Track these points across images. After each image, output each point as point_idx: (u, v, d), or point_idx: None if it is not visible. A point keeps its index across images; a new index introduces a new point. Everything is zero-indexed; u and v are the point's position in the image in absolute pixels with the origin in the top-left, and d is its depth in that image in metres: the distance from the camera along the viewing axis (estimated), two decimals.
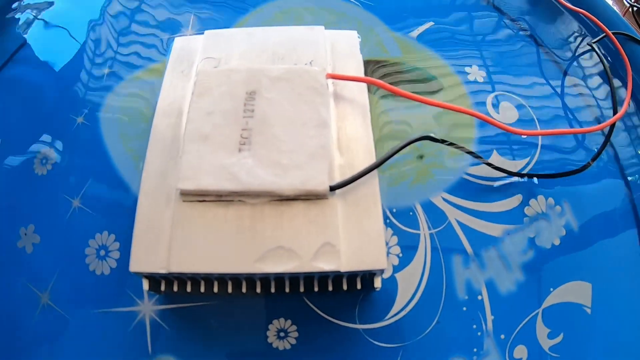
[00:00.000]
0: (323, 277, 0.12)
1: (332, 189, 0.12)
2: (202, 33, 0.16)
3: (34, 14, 0.21)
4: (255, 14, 0.19)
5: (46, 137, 0.17)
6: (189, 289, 0.13)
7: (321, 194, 0.11)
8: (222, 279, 0.12)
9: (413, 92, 0.17)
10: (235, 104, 0.13)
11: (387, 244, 0.15)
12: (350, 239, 0.12)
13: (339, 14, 0.19)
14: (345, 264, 0.11)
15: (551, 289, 0.16)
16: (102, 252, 0.15)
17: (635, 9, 0.24)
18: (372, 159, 0.13)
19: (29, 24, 0.21)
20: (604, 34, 0.20)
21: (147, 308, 0.14)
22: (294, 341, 0.14)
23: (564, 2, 0.21)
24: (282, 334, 0.14)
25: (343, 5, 0.20)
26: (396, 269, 0.15)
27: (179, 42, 0.16)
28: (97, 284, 0.15)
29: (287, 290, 0.12)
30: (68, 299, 0.15)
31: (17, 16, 0.21)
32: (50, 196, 0.16)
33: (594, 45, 0.20)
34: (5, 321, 0.15)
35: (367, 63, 0.17)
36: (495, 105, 0.18)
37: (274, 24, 0.19)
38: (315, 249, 0.11)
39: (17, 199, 0.17)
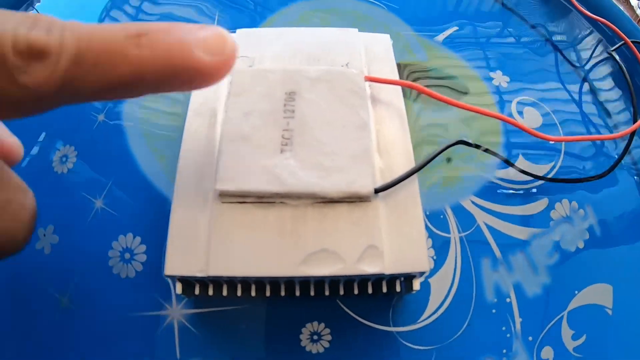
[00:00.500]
0: (363, 280, 0.12)
1: (377, 191, 0.12)
2: (231, 31, 0.17)
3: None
4: (281, 15, 0.20)
5: (66, 135, 0.17)
6: (225, 292, 0.13)
7: (365, 196, 0.12)
8: (261, 282, 0.13)
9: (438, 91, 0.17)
10: (275, 105, 0.13)
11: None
12: (392, 242, 0.12)
13: (365, 17, 0.19)
14: (388, 267, 0.12)
15: (576, 292, 0.16)
16: (127, 255, 0.15)
17: None
18: (411, 162, 0.13)
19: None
20: (623, 42, 0.21)
21: (176, 312, 0.14)
22: (327, 344, 0.14)
23: (584, 10, 0.21)
24: (315, 337, 0.14)
25: (367, 7, 0.20)
26: (433, 270, 0.15)
27: None
28: (121, 288, 0.15)
29: (326, 293, 0.13)
30: (90, 302, 0.15)
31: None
32: (70, 196, 0.16)
33: (613, 53, 0.20)
34: (23, 324, 0.15)
35: (397, 66, 0.18)
36: (520, 111, 0.18)
37: (300, 25, 0.19)
38: (360, 251, 0.11)
39: (36, 198, 0.17)
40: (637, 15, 0.26)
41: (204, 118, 0.14)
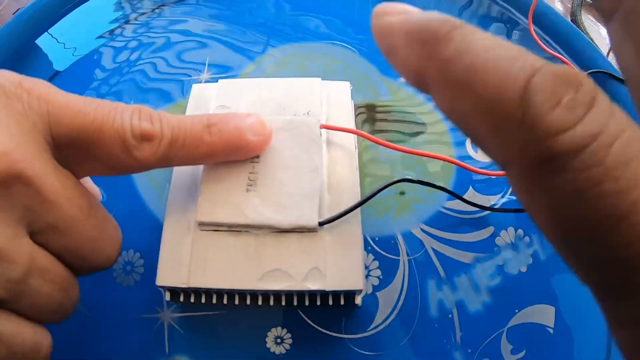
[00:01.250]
0: (312, 294, 0.16)
1: (321, 224, 0.15)
2: (216, 79, 0.20)
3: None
4: (264, 59, 0.24)
5: None
6: (203, 300, 0.17)
7: (311, 228, 0.15)
8: (231, 293, 0.16)
9: (400, 132, 0.20)
10: None
11: (367, 267, 0.18)
12: (334, 265, 0.15)
13: (337, 60, 0.23)
14: (329, 284, 0.15)
15: (516, 311, 0.19)
16: (128, 268, 0.19)
17: None
18: (356, 199, 0.16)
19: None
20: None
21: (166, 315, 0.18)
22: (288, 347, 0.18)
23: (543, 45, 0.24)
24: (278, 340, 0.18)
25: (340, 51, 0.24)
26: (377, 288, 0.18)
27: (196, 89, 0.20)
28: (123, 294, 0.19)
29: (283, 303, 0.16)
30: (97, 305, 0.19)
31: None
32: None
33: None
34: None
35: (361, 107, 0.21)
36: (475, 147, 0.21)
37: (280, 68, 0.23)
38: (306, 272, 0.15)
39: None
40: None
41: None
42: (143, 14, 0.27)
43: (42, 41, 0.26)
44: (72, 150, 0.13)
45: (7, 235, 0.11)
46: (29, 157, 0.12)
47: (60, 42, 0.26)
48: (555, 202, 0.08)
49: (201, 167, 0.17)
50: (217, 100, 0.19)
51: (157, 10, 0.27)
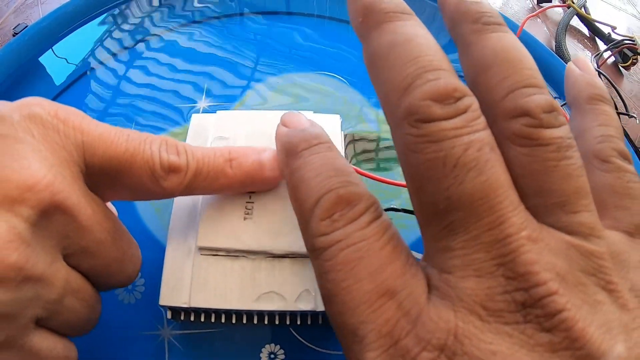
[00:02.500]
0: (304, 314, 0.19)
1: None
2: (216, 104, 0.23)
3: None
4: (260, 87, 0.26)
5: None
6: (202, 319, 0.19)
7: (303, 254, 0.18)
8: (228, 312, 0.19)
9: (386, 160, 0.23)
10: None
11: None
12: None
13: (329, 92, 0.26)
14: (319, 305, 0.18)
15: None
16: (130, 287, 0.22)
17: (601, 74, 0.30)
18: None
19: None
20: (564, 103, 0.26)
21: (166, 332, 0.21)
22: None
23: None
24: (272, 356, 0.20)
25: (332, 82, 0.26)
26: None
27: (195, 119, 0.22)
28: (124, 312, 0.21)
29: (276, 322, 0.19)
30: (99, 322, 0.21)
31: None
32: None
33: None
34: None
35: (350, 137, 0.24)
36: None
37: (275, 97, 0.26)
38: (297, 294, 0.18)
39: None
40: (599, 49, 0.31)
41: None
42: (143, 39, 0.30)
43: (44, 60, 0.28)
44: (103, 177, 0.15)
45: (47, 261, 0.13)
46: (67, 187, 0.13)
47: (61, 60, 0.28)
48: (317, 280, 0.13)
49: (201, 196, 0.20)
50: (216, 131, 0.21)
51: (157, 36, 0.30)
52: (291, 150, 0.15)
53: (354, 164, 0.22)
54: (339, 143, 0.21)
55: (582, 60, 0.17)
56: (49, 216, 0.13)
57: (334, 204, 0.12)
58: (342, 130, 0.22)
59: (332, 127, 0.22)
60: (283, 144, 0.16)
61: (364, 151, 0.24)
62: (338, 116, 0.22)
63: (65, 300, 0.14)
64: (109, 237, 0.15)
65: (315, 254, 0.13)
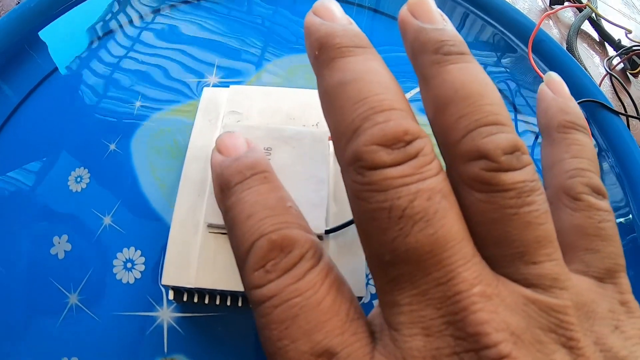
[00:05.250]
0: None
1: (327, 232, 0.18)
2: (226, 81, 0.22)
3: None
4: (273, 65, 0.25)
5: (81, 159, 0.23)
6: (206, 301, 0.18)
7: (318, 236, 0.17)
8: (235, 295, 0.18)
9: None
10: None
11: (367, 276, 0.20)
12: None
13: None
14: None
15: None
16: (129, 265, 0.21)
17: (612, 77, 0.30)
18: None
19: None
20: None
21: (166, 314, 0.20)
22: None
23: (540, 73, 0.27)
24: None
25: None
26: (374, 296, 0.21)
27: (207, 93, 0.21)
28: (122, 291, 0.20)
29: None
30: (96, 301, 0.20)
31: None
32: (83, 211, 0.22)
33: None
34: (36, 319, 0.20)
35: None
36: None
37: (288, 77, 0.25)
38: None
39: (53, 210, 0.22)
40: (607, 55, 0.31)
41: (199, 162, 0.19)
42: (154, 11, 0.29)
43: (44, 35, 0.27)
44: None
45: None
46: None
47: (59, 39, 0.27)
48: (257, 330, 0.12)
49: (209, 168, 0.19)
50: (229, 106, 0.20)
51: (165, 11, 0.29)
52: (224, 185, 0.13)
53: None
54: None
55: (555, 81, 0.16)
56: None
57: (266, 252, 0.11)
58: None
59: None
60: (216, 176, 0.14)
61: None
62: None
63: None
64: None
65: (252, 305, 0.12)
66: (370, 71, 0.12)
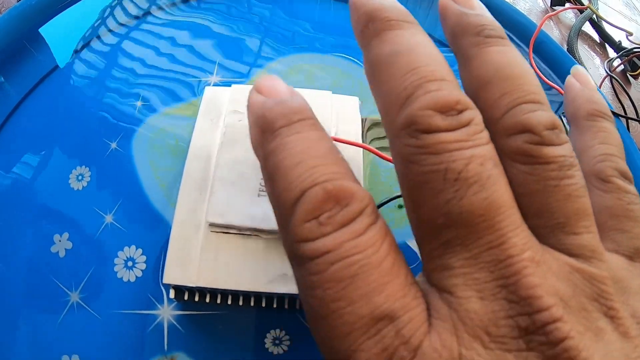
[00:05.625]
0: None
1: None
2: (227, 80, 0.22)
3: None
4: (275, 64, 0.26)
5: (82, 157, 0.23)
6: (207, 299, 0.18)
7: None
8: (236, 294, 0.18)
9: None
10: (257, 157, 0.19)
11: None
12: None
13: (345, 74, 0.25)
14: None
15: None
16: (130, 263, 0.21)
17: (612, 78, 0.30)
18: None
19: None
20: None
21: (166, 312, 0.20)
22: (286, 348, 0.20)
23: (542, 76, 0.27)
24: (277, 341, 0.20)
25: (348, 65, 0.26)
26: None
27: (209, 92, 0.21)
28: (123, 289, 0.20)
29: (285, 306, 0.18)
30: (96, 299, 0.21)
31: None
32: (84, 209, 0.22)
33: (564, 118, 0.26)
34: (36, 317, 0.20)
35: (367, 122, 0.24)
36: None
37: (289, 77, 0.25)
38: None
39: (54, 209, 0.22)
40: (608, 57, 0.31)
41: (201, 161, 0.19)
42: (155, 9, 0.29)
43: (45, 31, 0.27)
44: None
45: None
46: None
47: (61, 37, 0.27)
48: (300, 292, 0.11)
49: (213, 168, 0.19)
50: (230, 105, 0.21)
51: (167, 9, 0.29)
52: (266, 126, 0.12)
53: (375, 147, 0.21)
54: (357, 126, 0.21)
55: (581, 73, 0.17)
56: None
57: (321, 202, 0.10)
58: (360, 114, 0.22)
59: (351, 109, 0.21)
60: (256, 117, 0.13)
61: (383, 137, 0.23)
62: (356, 98, 0.22)
63: None
64: None
65: (297, 261, 0.11)
66: (420, 44, 0.12)
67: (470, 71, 0.13)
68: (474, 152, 0.11)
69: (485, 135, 0.11)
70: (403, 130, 0.11)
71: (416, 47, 0.12)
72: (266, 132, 0.12)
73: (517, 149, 0.11)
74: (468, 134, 0.11)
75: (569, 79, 0.17)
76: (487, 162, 0.11)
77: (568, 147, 0.11)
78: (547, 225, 0.11)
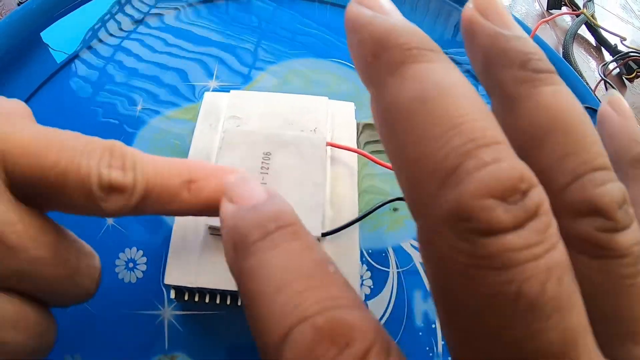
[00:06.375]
0: None
1: (324, 235, 0.18)
2: (226, 85, 0.23)
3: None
4: (272, 70, 0.26)
5: None
6: (206, 300, 0.19)
7: (315, 238, 0.18)
8: (234, 295, 0.19)
9: None
10: (254, 162, 0.19)
11: (361, 277, 0.21)
12: None
13: (341, 78, 0.26)
14: None
15: None
16: (131, 265, 0.22)
17: (606, 82, 0.31)
18: (355, 214, 0.19)
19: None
20: None
21: (167, 313, 0.21)
22: None
23: None
24: None
25: (344, 70, 0.27)
26: (368, 297, 0.22)
27: (208, 97, 0.22)
28: (124, 290, 0.21)
29: None
30: (98, 300, 0.21)
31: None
32: None
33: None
34: None
35: (363, 126, 0.24)
36: None
37: (286, 81, 0.26)
38: None
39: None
40: (604, 60, 0.32)
41: None
42: (152, 16, 0.29)
43: (46, 35, 0.28)
44: (32, 191, 0.12)
45: None
46: None
47: (62, 41, 0.28)
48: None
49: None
50: (229, 111, 0.21)
51: (168, 13, 0.29)
52: (240, 241, 0.10)
53: (369, 152, 0.22)
54: (353, 131, 0.22)
55: (617, 100, 0.14)
56: None
57: (313, 344, 0.08)
58: (356, 119, 0.23)
59: (346, 114, 0.22)
60: (228, 230, 0.11)
61: (377, 141, 0.24)
62: (352, 104, 0.22)
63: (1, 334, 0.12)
64: (48, 254, 0.13)
65: None
66: (457, 85, 0.09)
67: (519, 118, 0.10)
68: (550, 261, 0.08)
69: (556, 229, 0.08)
70: (447, 224, 0.08)
71: (453, 89, 0.09)
72: (239, 248, 0.10)
73: (588, 237, 0.09)
74: (539, 231, 0.08)
75: (605, 108, 0.14)
76: (565, 275, 0.08)
77: (636, 228, 0.09)
78: (617, 333, 0.09)
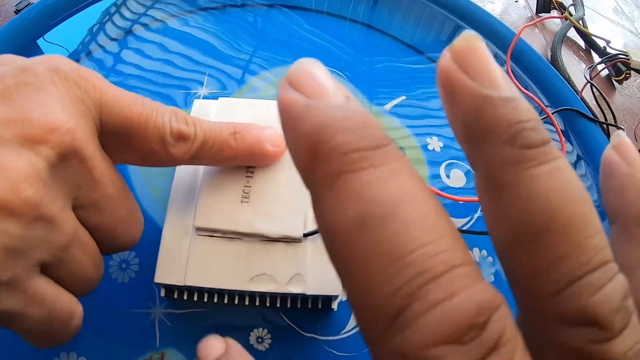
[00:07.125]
0: (294, 297, 0.20)
1: (305, 235, 0.19)
2: (216, 93, 0.24)
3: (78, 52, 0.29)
4: (258, 79, 0.27)
5: None
6: (195, 298, 0.20)
7: (297, 238, 0.19)
8: (221, 293, 0.20)
9: None
10: (240, 167, 0.21)
11: None
12: (315, 272, 0.19)
13: None
14: (309, 289, 0.19)
15: None
16: (124, 265, 0.23)
17: (593, 86, 0.32)
18: None
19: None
20: (545, 116, 0.28)
21: (158, 311, 0.22)
22: (268, 345, 0.21)
23: (519, 86, 0.29)
24: (259, 339, 0.21)
25: (335, 78, 0.28)
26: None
27: (197, 104, 0.23)
28: (118, 290, 0.22)
29: (267, 304, 0.20)
30: (92, 299, 0.22)
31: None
32: None
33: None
34: None
35: None
36: (447, 173, 0.26)
37: (273, 89, 0.27)
38: (289, 277, 0.19)
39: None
40: (592, 61, 0.33)
41: (189, 169, 0.21)
42: (146, 24, 0.31)
43: (43, 44, 0.29)
44: (115, 138, 0.16)
45: (59, 205, 0.14)
46: (86, 138, 0.14)
47: (61, 41, 0.29)
48: None
49: (200, 176, 0.21)
50: (217, 117, 0.22)
51: (159, 21, 0.31)
52: (321, 146, 0.08)
53: None
54: None
55: (624, 144, 0.12)
56: (66, 161, 0.14)
57: (471, 319, 0.07)
58: None
59: None
60: (305, 127, 0.08)
61: None
62: None
63: (72, 249, 0.15)
64: (118, 195, 0.16)
65: None
66: (406, 198, 0.08)
67: (509, 207, 0.08)
68: None
69: (521, 353, 0.07)
70: None
71: (400, 208, 0.07)
72: (325, 160, 0.08)
73: (577, 349, 0.08)
74: None
75: (610, 153, 0.12)
76: None
77: (636, 326, 0.08)
78: None
